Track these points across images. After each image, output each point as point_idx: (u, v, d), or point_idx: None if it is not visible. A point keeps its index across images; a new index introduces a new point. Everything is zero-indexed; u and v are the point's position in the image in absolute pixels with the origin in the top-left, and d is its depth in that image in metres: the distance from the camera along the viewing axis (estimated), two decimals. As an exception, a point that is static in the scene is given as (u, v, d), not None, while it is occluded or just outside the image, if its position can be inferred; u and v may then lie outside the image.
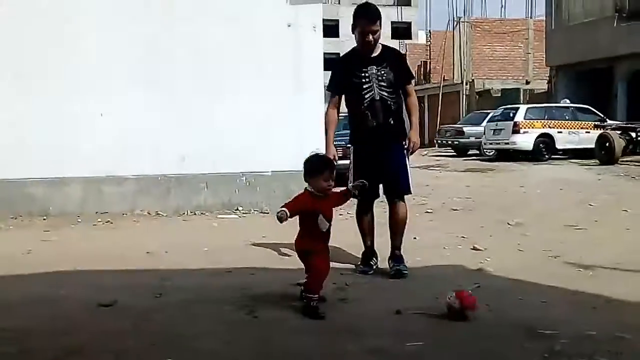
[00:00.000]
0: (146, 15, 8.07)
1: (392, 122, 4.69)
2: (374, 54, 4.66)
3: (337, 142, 14.41)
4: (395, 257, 4.70)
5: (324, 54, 8.95)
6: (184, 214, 7.98)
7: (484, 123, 20.55)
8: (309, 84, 8.62)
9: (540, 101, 23.65)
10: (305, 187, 3.75)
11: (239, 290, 4.09)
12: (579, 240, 5.92)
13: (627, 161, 15.52)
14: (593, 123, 17.78)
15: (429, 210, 8.37)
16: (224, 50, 8.25)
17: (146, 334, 3.33)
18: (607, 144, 15.64)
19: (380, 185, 4.80)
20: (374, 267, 4.80)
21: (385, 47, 4.75)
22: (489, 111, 21.95)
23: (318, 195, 3.68)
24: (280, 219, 3.56)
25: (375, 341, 3.17)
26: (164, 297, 4.00)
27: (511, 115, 18.76)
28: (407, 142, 4.76)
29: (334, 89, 4.79)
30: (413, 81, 5.07)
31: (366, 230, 4.91)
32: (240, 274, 4.58)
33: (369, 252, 4.88)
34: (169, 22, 8.12)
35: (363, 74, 4.60)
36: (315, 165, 3.74)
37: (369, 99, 4.60)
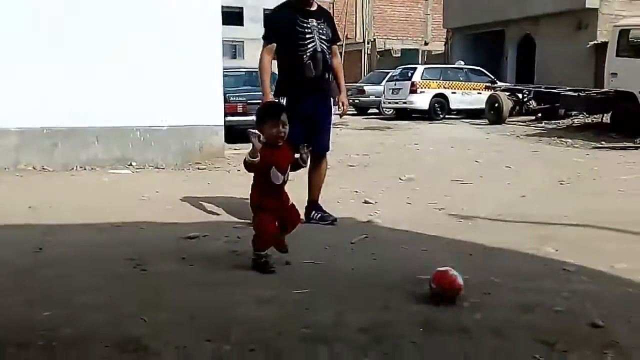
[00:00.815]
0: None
1: (327, 76, 4.74)
2: (312, 8, 4.68)
3: (239, 99, 14.11)
4: (319, 207, 4.88)
5: (226, 7, 8.75)
6: (72, 169, 7.65)
7: (384, 82, 20.94)
8: (206, 37, 8.41)
9: (438, 62, 24.37)
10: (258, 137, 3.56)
11: (127, 244, 4.00)
12: (464, 194, 6.25)
13: (514, 121, 16.42)
14: (484, 84, 18.60)
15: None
16: (116, -1, 7.87)
17: (27, 289, 3.21)
18: (497, 105, 16.44)
19: None
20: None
21: (319, 5, 4.78)
22: (389, 71, 22.36)
23: (271, 146, 3.50)
24: (248, 166, 3.45)
25: (264, 291, 3.22)
26: (46, 252, 3.85)
27: (409, 75, 19.21)
28: (337, 103, 4.91)
29: (271, 36, 4.66)
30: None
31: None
32: (130, 229, 4.49)
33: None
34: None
35: (305, 25, 4.59)
36: (267, 111, 3.66)
37: (311, 49, 4.58)
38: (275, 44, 4.66)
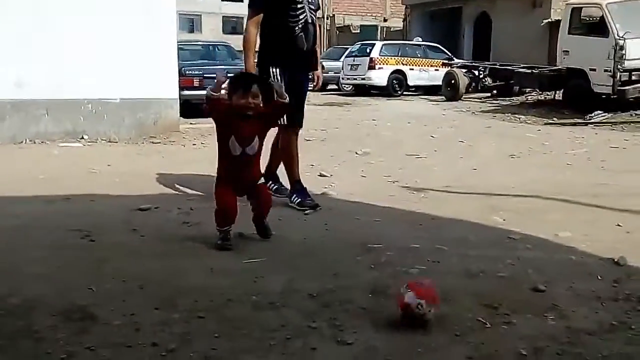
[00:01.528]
0: None
1: (314, 48, 4.56)
2: None
3: (195, 73, 13.81)
4: (303, 188, 4.52)
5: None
6: (22, 142, 7.44)
7: (343, 58, 20.89)
8: (161, 7, 8.22)
9: (397, 39, 24.43)
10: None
11: (76, 216, 3.94)
12: (417, 167, 6.34)
13: (470, 98, 16.64)
14: (442, 61, 18.75)
15: (283, 140, 8.48)
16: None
17: (-30, 262, 3.13)
18: (453, 81, 16.61)
19: None
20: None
21: None
22: (348, 47, 22.30)
23: (237, 114, 3.35)
24: (210, 106, 3.37)
25: (215, 260, 3.23)
26: (-9, 224, 3.76)
27: (367, 51, 19.21)
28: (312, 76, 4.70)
29: (260, 4, 4.37)
30: None
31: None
32: (79, 201, 4.41)
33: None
34: None
35: None
36: (240, 80, 3.48)
37: (303, 20, 4.35)
38: (262, 14, 4.35)
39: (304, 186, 4.55)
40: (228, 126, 3.41)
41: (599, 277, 3.06)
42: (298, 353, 2.24)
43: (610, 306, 2.71)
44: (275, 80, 4.30)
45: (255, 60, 4.43)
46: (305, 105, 4.68)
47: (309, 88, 4.79)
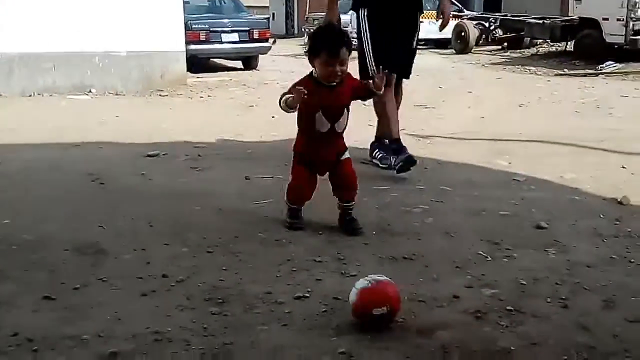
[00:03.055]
0: None
1: None
2: None
3: (201, 27, 13.66)
4: (402, 148, 3.90)
5: None
6: (30, 95, 7.47)
7: (350, 12, 20.55)
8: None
9: None
10: (311, 71, 2.78)
11: (86, 162, 4.01)
12: (425, 117, 6.32)
13: (480, 51, 16.40)
14: (451, 13, 18.39)
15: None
16: None
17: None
18: (463, 34, 16.34)
19: None
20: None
21: None
22: None
23: (322, 84, 2.71)
24: (289, 104, 2.66)
25: (224, 201, 3.28)
26: (5, 165, 3.83)
27: (376, 4, 18.88)
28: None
29: None
30: None
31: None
32: (89, 148, 4.47)
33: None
34: None
35: None
36: (325, 40, 2.70)
37: None
38: None
39: (403, 145, 3.90)
40: (313, 98, 2.67)
41: (601, 216, 3.10)
42: (303, 283, 2.30)
43: (611, 242, 2.76)
44: (363, 23, 3.80)
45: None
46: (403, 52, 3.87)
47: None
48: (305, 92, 2.58)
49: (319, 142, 2.80)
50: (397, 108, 4.07)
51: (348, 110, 2.81)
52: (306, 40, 2.93)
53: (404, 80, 4.14)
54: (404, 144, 3.94)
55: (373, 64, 3.77)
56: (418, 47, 4.19)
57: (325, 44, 2.66)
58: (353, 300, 2.00)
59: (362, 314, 1.97)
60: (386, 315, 1.95)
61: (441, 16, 4.09)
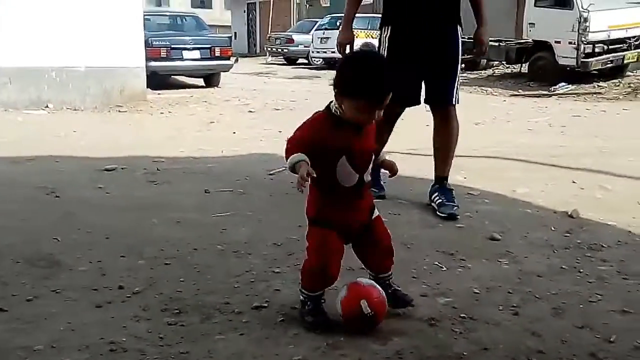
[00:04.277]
0: None
1: None
2: None
3: (162, 44, 13.53)
4: (443, 187, 3.48)
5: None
6: (-15, 110, 7.31)
7: (313, 32, 20.79)
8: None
9: (367, 12, 24.35)
10: (328, 105, 2.00)
11: (41, 175, 3.95)
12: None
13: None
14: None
15: (251, 110, 8.52)
16: None
17: None
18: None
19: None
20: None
21: None
22: (318, 20, 22.18)
23: (345, 124, 1.96)
24: (298, 172, 1.88)
25: (181, 214, 3.27)
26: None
27: (337, 24, 19.13)
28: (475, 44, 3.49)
29: None
30: None
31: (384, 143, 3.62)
32: (44, 162, 4.40)
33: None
34: None
35: None
36: (366, 78, 1.91)
37: None
38: None
39: (445, 184, 3.51)
40: (333, 140, 1.98)
41: (553, 228, 3.19)
42: (261, 294, 2.31)
43: (562, 253, 2.84)
44: (383, 45, 3.32)
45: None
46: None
47: (467, 57, 3.71)
48: (314, 174, 1.88)
49: (344, 201, 2.04)
50: (450, 138, 3.59)
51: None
52: (337, 72, 1.86)
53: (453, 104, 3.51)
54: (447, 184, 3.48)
55: None
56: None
57: (369, 86, 1.90)
58: (343, 295, 2.04)
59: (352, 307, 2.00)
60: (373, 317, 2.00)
61: (479, 44, 3.47)
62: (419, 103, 3.48)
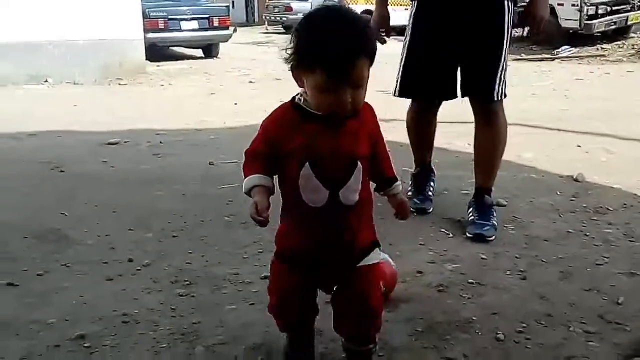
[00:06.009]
0: None
1: None
2: None
3: (159, 15, 13.42)
4: (480, 201, 2.75)
5: None
6: (-16, 85, 7.27)
7: (312, -1, 20.51)
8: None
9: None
10: (295, 95, 1.46)
11: (44, 150, 3.94)
12: (385, 101, 6.35)
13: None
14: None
15: (252, 80, 8.45)
16: None
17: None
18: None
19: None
20: (433, 192, 3.08)
21: None
22: (316, -13, 21.84)
23: (316, 117, 1.40)
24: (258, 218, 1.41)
25: (187, 187, 3.27)
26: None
27: (336, -10, 18.85)
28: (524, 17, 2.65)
29: None
30: None
31: (422, 141, 3.13)
32: (47, 137, 4.39)
33: (425, 174, 3.11)
34: None
35: None
36: (322, 39, 1.34)
37: None
38: None
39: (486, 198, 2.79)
40: (297, 142, 1.42)
41: (558, 193, 3.19)
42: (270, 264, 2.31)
43: (568, 217, 2.85)
44: (409, 23, 2.70)
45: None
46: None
47: (518, 34, 3.01)
48: (267, 210, 1.41)
49: (313, 227, 1.46)
50: (494, 144, 2.83)
51: (363, 166, 1.45)
52: (290, 38, 1.35)
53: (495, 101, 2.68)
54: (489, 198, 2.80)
55: (398, 85, 2.85)
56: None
57: (324, 47, 1.32)
58: None
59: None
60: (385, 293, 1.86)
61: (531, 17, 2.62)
62: (455, 96, 2.74)
